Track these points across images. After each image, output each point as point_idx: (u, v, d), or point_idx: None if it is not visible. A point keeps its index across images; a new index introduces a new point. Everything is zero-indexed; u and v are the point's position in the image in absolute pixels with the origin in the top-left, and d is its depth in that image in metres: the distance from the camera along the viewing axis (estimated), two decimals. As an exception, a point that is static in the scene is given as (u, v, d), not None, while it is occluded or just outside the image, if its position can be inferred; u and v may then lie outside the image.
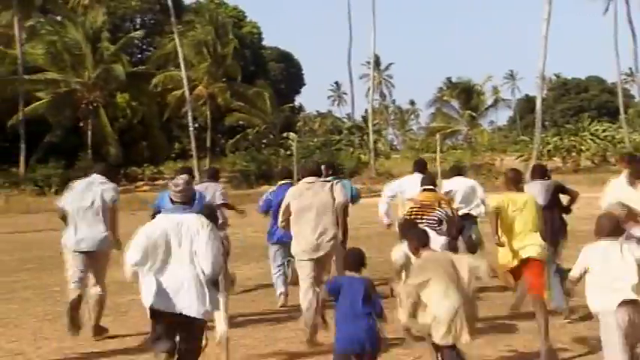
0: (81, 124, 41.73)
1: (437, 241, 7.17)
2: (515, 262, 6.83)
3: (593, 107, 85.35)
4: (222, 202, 9.77)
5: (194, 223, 5.53)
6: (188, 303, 5.41)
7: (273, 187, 10.12)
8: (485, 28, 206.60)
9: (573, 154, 44.75)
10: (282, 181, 9.75)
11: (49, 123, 41.35)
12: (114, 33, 50.78)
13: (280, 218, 7.79)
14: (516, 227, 6.85)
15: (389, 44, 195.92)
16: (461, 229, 8.93)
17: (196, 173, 40.87)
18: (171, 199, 5.75)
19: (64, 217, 8.01)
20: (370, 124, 49.52)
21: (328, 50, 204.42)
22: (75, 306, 7.53)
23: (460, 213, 9.30)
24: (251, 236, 15.76)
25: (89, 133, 40.97)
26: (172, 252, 5.45)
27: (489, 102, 64.03)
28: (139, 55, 63.46)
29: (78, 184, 8.12)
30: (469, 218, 10.13)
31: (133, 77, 45.56)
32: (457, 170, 11.45)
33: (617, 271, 5.21)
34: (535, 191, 8.14)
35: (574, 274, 5.52)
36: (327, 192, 7.52)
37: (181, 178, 5.86)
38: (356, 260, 5.49)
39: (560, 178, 37.74)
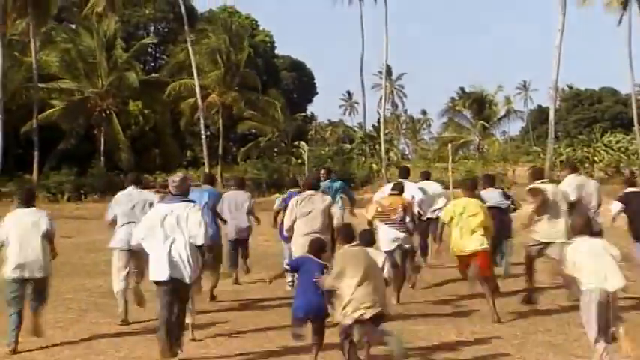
0: (94, 132, 41.96)
1: (398, 238, 9.69)
2: (467, 253, 9.09)
3: (607, 118, 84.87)
4: (251, 209, 11.45)
5: (184, 209, 7.06)
6: (181, 272, 6.89)
7: (284, 194, 11.79)
8: (498, 38, 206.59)
9: (586, 165, 44.48)
10: (292, 189, 11.32)
11: (63, 130, 41.63)
12: (127, 41, 51.03)
13: (286, 222, 9.29)
14: (470, 226, 9.07)
15: (401, 54, 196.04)
16: (425, 229, 11.76)
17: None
18: (170, 192, 7.36)
19: (112, 225, 9.45)
20: (382, 134, 49.48)
21: (340, 59, 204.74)
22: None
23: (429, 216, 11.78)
24: (262, 245, 15.77)
25: (102, 140, 41.17)
26: (167, 231, 6.97)
27: (502, 112, 63.81)
28: (152, 64, 63.79)
29: (121, 196, 9.51)
30: (434, 220, 11.52)
31: (145, 85, 45.80)
32: (426, 175, 13.63)
33: (600, 262, 6.44)
34: (494, 197, 11.20)
35: (567, 271, 6.65)
36: (326, 206, 9.08)
37: (177, 176, 7.53)
38: (318, 247, 6.97)
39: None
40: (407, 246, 9.93)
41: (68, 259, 15.13)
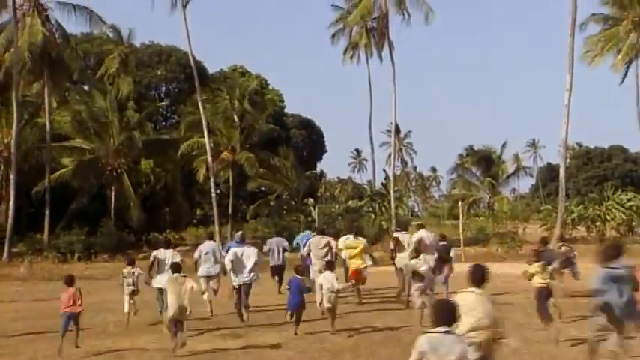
0: (105, 191, 42.16)
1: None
2: (354, 269, 15.89)
3: (617, 176, 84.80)
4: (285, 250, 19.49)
5: (248, 249, 14.35)
6: (247, 277, 14.06)
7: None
8: (507, 96, 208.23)
9: (598, 223, 44.18)
10: (304, 232, 20.15)
11: (74, 190, 41.83)
12: (139, 101, 51.72)
13: (304, 252, 16.78)
14: (355, 253, 15.98)
15: (410, 111, 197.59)
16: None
17: (217, 238, 41.30)
18: (236, 241, 15.16)
19: (196, 263, 15.91)
20: (392, 191, 49.45)
21: (349, 117, 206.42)
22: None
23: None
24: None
25: (112, 199, 41.34)
26: (241, 260, 14.06)
27: (510, 170, 63.80)
28: (163, 123, 64.51)
29: (204, 245, 16.14)
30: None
31: (157, 144, 46.21)
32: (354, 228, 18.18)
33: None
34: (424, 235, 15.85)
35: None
36: (327, 242, 16.17)
37: (240, 233, 15.58)
38: (301, 269, 13.73)
39: (584, 249, 37.23)
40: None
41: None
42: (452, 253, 16.83)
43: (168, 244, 14.88)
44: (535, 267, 11.97)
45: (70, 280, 11.82)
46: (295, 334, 12.66)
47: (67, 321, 11.63)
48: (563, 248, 13.74)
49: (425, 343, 5.22)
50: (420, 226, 16.82)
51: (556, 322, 11.80)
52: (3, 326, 14.58)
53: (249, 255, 14.09)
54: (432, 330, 5.27)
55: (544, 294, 11.75)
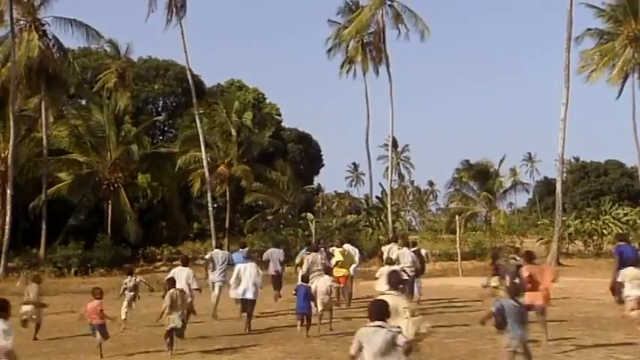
0: (102, 205, 42.12)
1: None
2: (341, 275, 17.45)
3: (614, 191, 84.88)
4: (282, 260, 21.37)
5: (251, 266, 15.43)
6: (249, 294, 15.00)
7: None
8: (503, 111, 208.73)
9: (595, 237, 44.15)
10: (305, 248, 20.14)
11: (71, 204, 41.78)
12: (136, 115, 51.77)
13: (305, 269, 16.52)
14: (343, 261, 17.91)
15: (406, 126, 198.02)
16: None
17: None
18: (243, 256, 17.12)
19: (206, 266, 17.80)
20: (389, 205, 49.45)
21: (346, 131, 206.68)
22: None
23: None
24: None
25: (109, 213, 41.28)
26: (245, 275, 15.10)
27: (507, 184, 63.90)
28: (161, 137, 64.56)
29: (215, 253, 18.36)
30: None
31: (154, 157, 46.20)
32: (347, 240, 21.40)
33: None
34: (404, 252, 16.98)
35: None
36: (323, 257, 17.14)
37: (247, 249, 19.00)
38: (307, 278, 15.09)
39: (581, 263, 36.93)
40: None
41: (73, 335, 14.99)
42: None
43: (185, 261, 15.84)
44: (494, 281, 13.21)
45: (96, 293, 13.01)
46: (307, 336, 13.82)
47: (91, 329, 12.85)
48: (512, 261, 14.34)
49: (362, 335, 6.21)
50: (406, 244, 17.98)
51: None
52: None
53: (253, 274, 15.21)
54: (368, 324, 6.23)
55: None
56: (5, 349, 8.05)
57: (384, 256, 17.06)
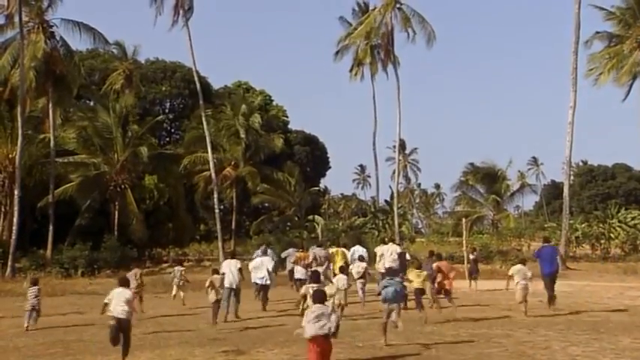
0: (109, 206, 42.18)
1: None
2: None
3: (621, 194, 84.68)
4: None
5: (267, 259, 19.92)
6: (265, 280, 19.27)
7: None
8: (511, 111, 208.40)
9: (602, 241, 44.00)
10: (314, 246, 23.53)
11: (78, 205, 41.86)
12: (143, 117, 51.90)
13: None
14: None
15: (413, 128, 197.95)
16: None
17: (221, 253, 41.38)
18: (262, 251, 22.30)
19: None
20: (395, 208, 49.41)
21: (353, 133, 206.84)
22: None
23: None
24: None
25: (116, 214, 41.36)
26: (260, 267, 19.35)
27: (515, 187, 63.68)
28: (167, 139, 64.71)
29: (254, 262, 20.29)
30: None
31: (160, 159, 46.29)
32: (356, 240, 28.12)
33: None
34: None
35: None
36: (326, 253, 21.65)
37: (264, 246, 23.64)
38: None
39: (588, 266, 36.77)
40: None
41: (80, 336, 14.99)
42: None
43: (233, 255, 19.33)
44: (414, 274, 16.15)
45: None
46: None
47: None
48: (434, 264, 18.06)
49: (311, 313, 8.89)
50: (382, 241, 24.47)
51: (426, 310, 15.94)
52: (5, 342, 14.54)
53: (266, 263, 19.48)
54: (314, 305, 9.01)
55: (419, 292, 16.06)
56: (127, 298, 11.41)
57: (378, 255, 21.78)
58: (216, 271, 17.07)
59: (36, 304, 16.46)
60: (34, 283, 17.27)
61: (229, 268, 17.51)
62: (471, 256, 27.29)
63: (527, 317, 16.24)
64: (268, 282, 19.27)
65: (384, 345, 12.45)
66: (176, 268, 21.87)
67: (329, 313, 8.90)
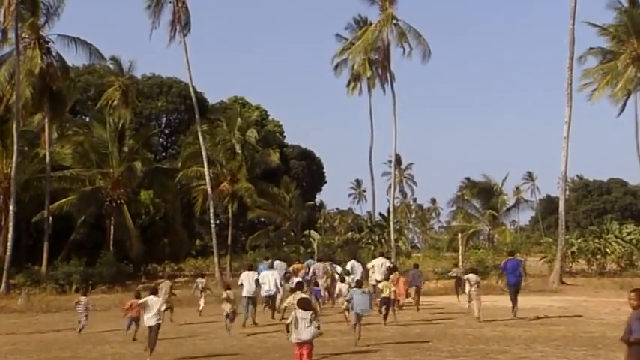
0: (105, 221, 42.06)
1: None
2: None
3: (617, 209, 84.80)
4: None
5: (271, 272, 21.12)
6: (271, 291, 20.28)
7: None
8: (506, 127, 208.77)
9: (598, 256, 43.93)
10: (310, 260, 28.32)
11: (73, 221, 41.73)
12: (139, 132, 51.87)
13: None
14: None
15: (409, 143, 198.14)
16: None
17: (217, 269, 41.31)
18: (267, 265, 24.12)
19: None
20: (392, 223, 49.32)
21: (349, 148, 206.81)
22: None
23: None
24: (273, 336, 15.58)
25: (112, 229, 41.24)
26: (266, 281, 20.07)
27: (511, 202, 63.76)
28: (163, 154, 64.68)
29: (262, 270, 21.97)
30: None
31: (156, 174, 46.23)
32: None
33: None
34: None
35: None
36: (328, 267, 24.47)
37: (270, 260, 26.71)
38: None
39: (584, 282, 36.79)
40: None
41: (75, 352, 14.91)
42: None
43: (249, 267, 22.07)
44: (384, 283, 18.57)
45: (138, 295, 16.67)
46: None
47: (130, 322, 16.56)
48: (412, 272, 22.79)
49: (301, 319, 10.32)
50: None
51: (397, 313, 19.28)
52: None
53: (271, 276, 20.52)
54: (301, 311, 10.45)
55: (386, 301, 18.15)
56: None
57: (370, 268, 23.57)
58: (227, 287, 18.53)
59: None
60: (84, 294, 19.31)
61: (247, 279, 19.62)
62: (453, 270, 28.70)
63: (526, 333, 16.14)
64: (273, 292, 20.40)
65: (357, 339, 14.34)
66: (198, 279, 23.77)
67: (313, 319, 10.38)
